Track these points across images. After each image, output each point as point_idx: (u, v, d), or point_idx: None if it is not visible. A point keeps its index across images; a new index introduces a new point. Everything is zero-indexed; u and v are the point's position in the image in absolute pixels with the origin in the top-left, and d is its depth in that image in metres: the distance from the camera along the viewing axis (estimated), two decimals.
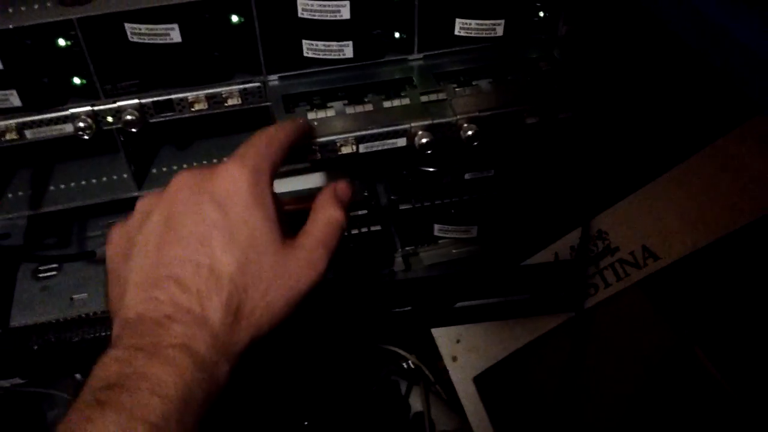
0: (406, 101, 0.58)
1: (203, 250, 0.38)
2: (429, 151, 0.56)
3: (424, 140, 0.56)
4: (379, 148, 0.57)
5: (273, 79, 0.59)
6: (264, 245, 0.39)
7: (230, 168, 0.40)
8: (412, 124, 0.56)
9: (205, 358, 0.36)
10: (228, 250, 0.38)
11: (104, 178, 0.64)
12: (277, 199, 0.42)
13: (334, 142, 0.55)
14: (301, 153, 0.55)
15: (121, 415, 0.32)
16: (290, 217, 0.44)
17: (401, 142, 0.57)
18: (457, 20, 0.59)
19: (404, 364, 0.94)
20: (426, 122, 0.56)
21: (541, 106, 0.58)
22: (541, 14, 0.61)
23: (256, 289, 0.38)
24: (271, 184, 0.42)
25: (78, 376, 0.84)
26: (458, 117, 0.57)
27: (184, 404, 0.34)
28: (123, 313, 0.37)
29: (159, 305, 0.37)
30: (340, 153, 0.56)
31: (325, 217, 0.43)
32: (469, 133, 0.56)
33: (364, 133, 0.56)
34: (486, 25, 0.59)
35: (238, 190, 0.40)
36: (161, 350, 0.35)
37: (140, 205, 0.42)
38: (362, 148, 0.56)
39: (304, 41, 0.57)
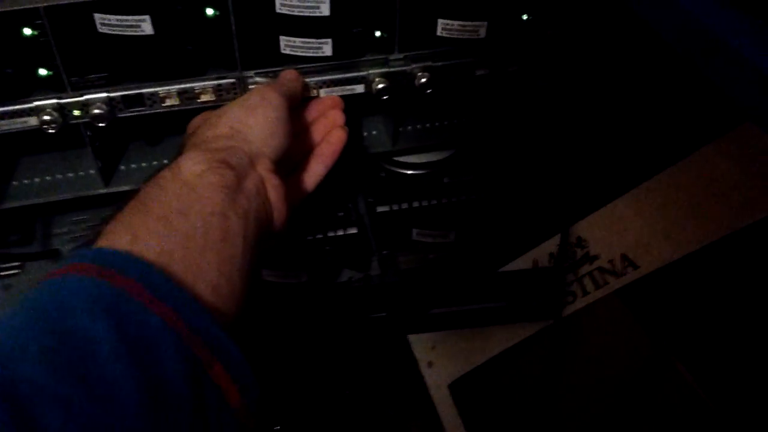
0: None
1: None
2: (385, 97, 0.59)
3: (380, 86, 0.59)
4: (339, 94, 0.59)
5: (249, 75, 0.57)
6: None
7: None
8: (370, 71, 0.59)
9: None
10: None
11: (70, 174, 0.62)
12: None
13: None
14: None
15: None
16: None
17: (359, 89, 0.60)
18: (440, 21, 0.58)
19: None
20: (383, 70, 0.59)
21: (490, 58, 0.61)
22: (525, 17, 0.60)
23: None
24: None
25: None
26: (413, 66, 0.60)
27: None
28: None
29: None
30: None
31: None
32: (423, 80, 0.59)
33: (324, 78, 0.58)
34: (469, 26, 0.58)
35: None
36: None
37: None
38: (322, 93, 0.59)
39: (281, 37, 0.55)
